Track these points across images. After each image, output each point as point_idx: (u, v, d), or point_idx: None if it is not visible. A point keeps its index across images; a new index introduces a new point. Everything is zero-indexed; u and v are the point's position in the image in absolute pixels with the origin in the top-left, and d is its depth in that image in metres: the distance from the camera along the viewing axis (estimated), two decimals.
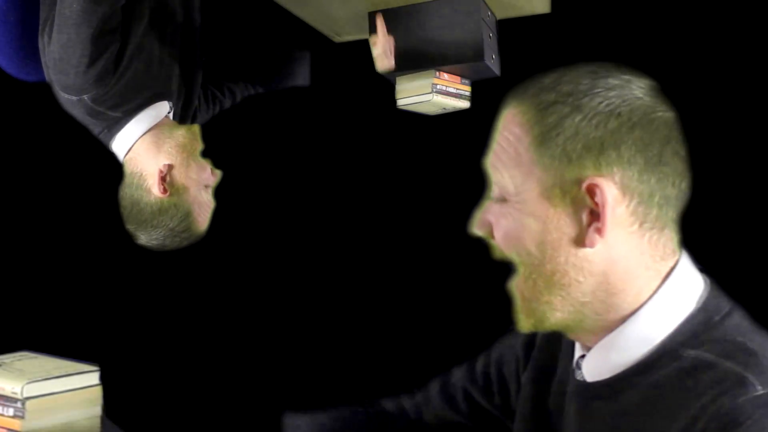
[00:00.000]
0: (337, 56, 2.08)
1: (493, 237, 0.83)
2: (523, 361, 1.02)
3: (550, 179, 0.76)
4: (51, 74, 1.41)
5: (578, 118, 0.76)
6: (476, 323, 1.73)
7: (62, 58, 1.34)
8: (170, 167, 1.44)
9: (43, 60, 1.46)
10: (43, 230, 2.33)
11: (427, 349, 2.18)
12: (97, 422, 0.93)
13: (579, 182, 0.75)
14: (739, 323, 0.76)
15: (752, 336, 0.74)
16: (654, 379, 0.75)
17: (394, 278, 2.25)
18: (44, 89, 1.64)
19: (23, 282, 2.26)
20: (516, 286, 0.82)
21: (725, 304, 0.79)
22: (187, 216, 1.45)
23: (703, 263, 0.82)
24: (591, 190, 0.75)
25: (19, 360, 0.95)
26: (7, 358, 0.96)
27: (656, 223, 0.77)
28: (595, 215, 0.75)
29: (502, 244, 0.81)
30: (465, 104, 1.78)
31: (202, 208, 1.48)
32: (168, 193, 1.44)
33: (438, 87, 1.71)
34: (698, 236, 0.84)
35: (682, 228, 0.81)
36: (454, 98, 1.75)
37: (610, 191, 0.74)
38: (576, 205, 0.76)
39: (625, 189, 0.75)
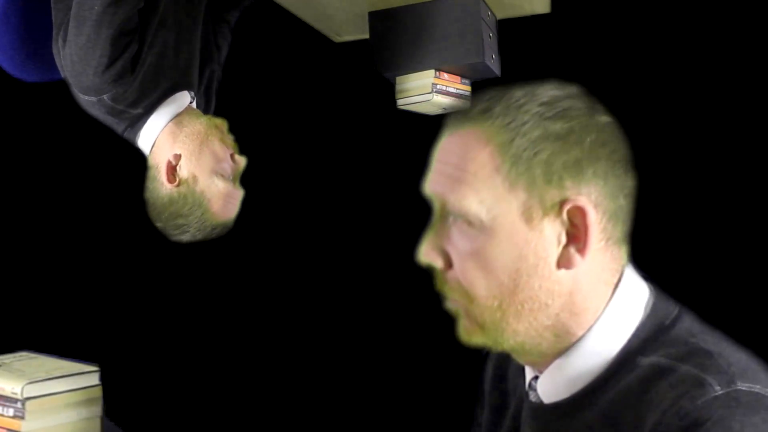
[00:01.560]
0: (337, 56, 2.08)
1: (447, 267, 0.78)
2: (483, 398, 1.01)
3: (530, 200, 0.74)
4: (69, 76, 1.39)
5: (552, 138, 0.74)
6: None
7: (81, 60, 1.33)
8: (179, 157, 1.42)
9: (58, 63, 1.45)
10: (43, 230, 2.33)
11: (425, 348, 2.18)
12: (97, 422, 0.93)
13: (561, 203, 0.74)
14: (689, 325, 0.76)
15: (704, 337, 0.74)
16: (613, 393, 0.74)
17: (393, 278, 2.25)
18: (44, 89, 1.64)
19: (23, 282, 2.26)
20: (472, 315, 0.77)
21: (673, 307, 0.78)
22: (199, 206, 1.42)
23: (642, 269, 0.82)
24: (572, 212, 0.74)
25: (19, 360, 0.95)
26: (7, 358, 0.96)
27: (617, 238, 0.77)
28: (572, 236, 0.74)
29: (464, 277, 0.76)
30: (465, 104, 1.78)
31: (218, 197, 1.43)
32: (176, 183, 1.41)
33: (438, 87, 1.71)
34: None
35: None
36: (454, 98, 1.75)
37: (591, 211, 0.73)
38: (555, 227, 0.74)
39: (598, 206, 0.74)
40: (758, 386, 0.68)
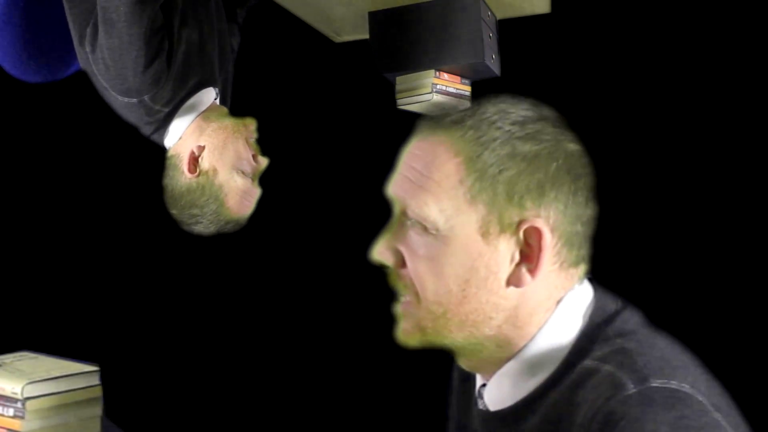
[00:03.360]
0: (337, 56, 2.08)
1: (400, 266, 0.80)
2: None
3: (489, 216, 0.75)
4: (105, 80, 1.38)
5: (519, 158, 0.75)
6: None
7: (116, 63, 1.32)
8: (202, 148, 1.43)
9: (89, 70, 1.43)
10: (43, 230, 2.33)
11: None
12: (97, 422, 0.93)
13: (519, 222, 0.74)
14: (621, 325, 0.77)
15: (633, 335, 0.75)
16: (552, 398, 0.75)
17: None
18: (45, 89, 1.64)
19: (23, 282, 2.26)
20: (417, 316, 0.79)
21: (611, 306, 0.79)
22: (215, 199, 1.43)
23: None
24: (528, 233, 0.74)
25: (19, 360, 0.95)
26: (7, 358, 0.96)
27: (571, 261, 0.77)
28: (525, 256, 0.75)
29: (416, 277, 0.78)
30: (465, 104, 1.78)
31: (235, 193, 1.44)
32: (197, 174, 1.42)
33: (438, 87, 1.71)
34: None
35: None
36: (454, 98, 1.75)
37: (547, 234, 0.74)
38: (510, 244, 0.75)
39: (555, 230, 0.75)
40: (674, 381, 0.67)
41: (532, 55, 1.91)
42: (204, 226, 1.47)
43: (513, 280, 0.75)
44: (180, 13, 1.42)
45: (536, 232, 0.74)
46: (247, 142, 1.46)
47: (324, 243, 2.36)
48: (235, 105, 1.84)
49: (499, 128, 0.77)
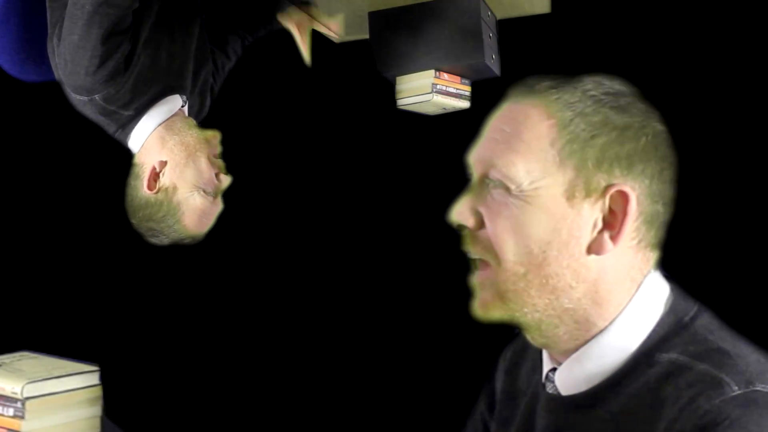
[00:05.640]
0: (337, 56, 2.08)
1: (479, 227, 0.79)
2: (490, 404, 1.01)
3: (576, 180, 0.75)
4: (61, 75, 1.40)
5: (611, 127, 0.76)
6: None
7: (73, 59, 1.33)
8: (164, 164, 1.42)
9: (53, 62, 1.45)
10: (43, 230, 2.33)
11: (424, 349, 2.18)
12: (97, 422, 0.92)
13: (606, 187, 0.75)
14: (708, 323, 0.77)
15: (722, 335, 0.75)
16: (632, 387, 0.75)
17: (392, 278, 2.25)
18: (45, 89, 1.64)
19: (23, 282, 2.26)
20: (496, 281, 0.78)
21: (692, 305, 0.79)
22: (172, 216, 1.42)
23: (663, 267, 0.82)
24: (614, 197, 0.75)
25: (19, 360, 0.95)
26: (7, 358, 0.96)
27: (649, 242, 0.78)
28: (608, 223, 0.75)
29: (495, 237, 0.77)
30: (465, 104, 1.78)
31: (193, 212, 1.43)
32: (155, 190, 1.42)
33: (438, 87, 1.71)
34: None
35: None
36: (454, 98, 1.75)
37: (633, 200, 0.75)
38: (594, 210, 0.76)
39: (639, 204, 0.75)
40: None
41: (532, 55, 1.91)
42: (159, 240, 1.47)
43: (594, 247, 0.75)
44: (155, 16, 1.42)
45: (623, 197, 0.75)
46: (209, 159, 1.44)
47: (324, 242, 2.36)
48: (236, 105, 1.84)
49: (593, 96, 0.77)
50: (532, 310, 0.78)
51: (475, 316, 0.81)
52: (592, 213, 0.76)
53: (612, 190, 0.75)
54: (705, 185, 1.87)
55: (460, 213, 0.80)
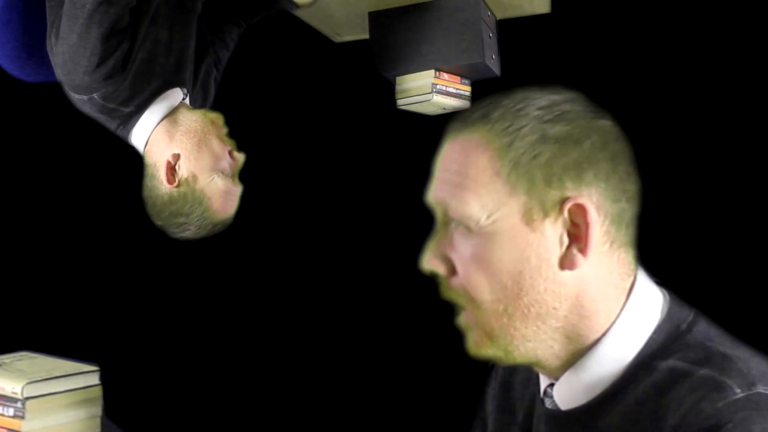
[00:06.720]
0: (337, 56, 2.08)
1: (451, 273, 0.78)
2: (488, 415, 1.00)
3: (530, 203, 0.74)
4: (60, 74, 1.39)
5: (551, 141, 0.74)
6: None
7: (71, 58, 1.32)
8: (177, 156, 1.41)
9: (52, 61, 1.45)
10: (43, 230, 2.33)
11: (422, 349, 2.18)
12: (97, 422, 0.93)
13: (561, 203, 0.74)
14: (705, 329, 0.76)
15: (721, 340, 0.75)
16: (632, 397, 0.74)
17: (392, 278, 2.25)
18: (45, 89, 1.64)
19: (23, 282, 2.26)
20: (480, 322, 0.77)
21: (688, 312, 0.78)
22: (200, 205, 1.41)
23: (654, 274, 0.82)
24: (573, 211, 0.74)
25: (19, 360, 0.95)
26: (7, 358, 0.96)
27: (623, 241, 0.77)
28: (574, 236, 0.74)
29: (468, 282, 0.77)
30: (465, 104, 1.78)
31: (218, 195, 1.42)
32: (177, 184, 1.40)
33: (438, 87, 1.71)
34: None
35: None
36: (454, 98, 1.75)
37: (592, 210, 0.73)
38: (556, 227, 0.74)
39: (599, 209, 0.74)
40: None
41: (532, 55, 1.91)
42: (192, 233, 1.45)
43: (566, 263, 0.74)
44: (152, 12, 1.42)
45: (580, 209, 0.73)
46: (220, 139, 1.44)
47: (324, 242, 2.36)
48: (236, 104, 1.84)
49: (526, 115, 0.76)
50: (522, 341, 0.77)
51: (471, 355, 0.80)
52: (555, 231, 0.74)
53: (568, 204, 0.74)
54: (705, 185, 1.87)
55: (431, 261, 0.79)
